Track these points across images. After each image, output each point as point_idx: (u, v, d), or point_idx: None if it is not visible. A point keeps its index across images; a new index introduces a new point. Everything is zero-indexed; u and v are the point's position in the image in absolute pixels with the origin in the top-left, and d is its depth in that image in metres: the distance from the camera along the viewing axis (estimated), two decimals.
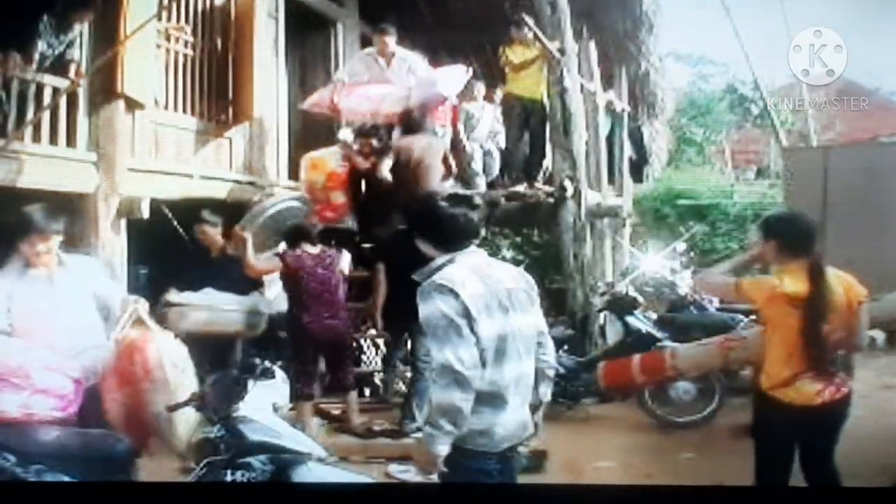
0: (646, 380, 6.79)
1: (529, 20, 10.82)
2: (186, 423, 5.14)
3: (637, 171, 14.94)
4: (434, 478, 3.77)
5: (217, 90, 9.80)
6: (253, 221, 8.73)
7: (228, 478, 4.46)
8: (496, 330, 3.79)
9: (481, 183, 11.39)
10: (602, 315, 10.27)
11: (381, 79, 10.35)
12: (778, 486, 5.06)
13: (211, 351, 7.24)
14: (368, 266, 8.63)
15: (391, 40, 10.50)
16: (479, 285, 3.81)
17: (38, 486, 3.91)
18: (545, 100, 11.06)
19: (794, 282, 4.79)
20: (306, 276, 7.94)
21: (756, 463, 5.06)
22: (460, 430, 3.69)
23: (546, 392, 4.17)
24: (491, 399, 3.77)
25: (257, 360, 5.12)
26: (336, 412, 8.89)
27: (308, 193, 9.62)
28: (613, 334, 9.92)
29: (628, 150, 14.27)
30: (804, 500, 4.60)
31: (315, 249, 8.06)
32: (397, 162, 9.10)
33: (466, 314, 3.70)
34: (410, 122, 9.52)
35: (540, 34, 10.71)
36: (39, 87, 7.71)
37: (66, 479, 4.35)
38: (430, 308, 3.74)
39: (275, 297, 8.42)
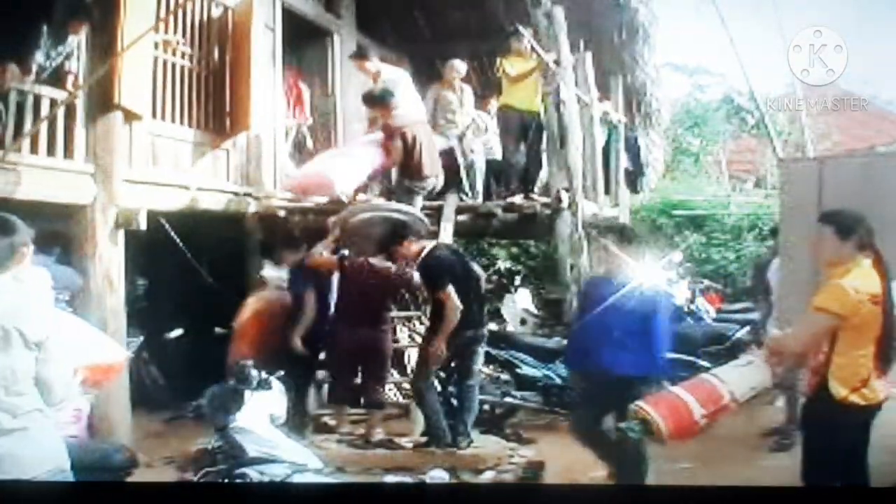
0: (707, 415, 5.74)
1: (526, 31, 10.85)
2: None
3: (633, 181, 14.94)
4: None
5: (214, 101, 9.81)
6: (351, 217, 9.02)
7: None
8: None
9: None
10: None
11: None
12: (777, 486, 5.05)
13: None
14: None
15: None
16: None
17: (36, 486, 3.91)
18: (541, 111, 11.07)
19: (869, 280, 4.80)
20: (355, 283, 8.15)
21: (818, 478, 4.99)
22: None
23: None
24: None
25: (254, 372, 5.12)
26: (332, 423, 8.90)
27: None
28: None
29: (624, 161, 14.26)
30: (804, 500, 4.60)
31: (380, 262, 8.16)
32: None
33: None
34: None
35: (536, 45, 10.73)
36: (37, 99, 7.72)
37: None
38: None
39: None
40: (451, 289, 7.78)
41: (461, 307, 7.77)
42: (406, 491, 5.27)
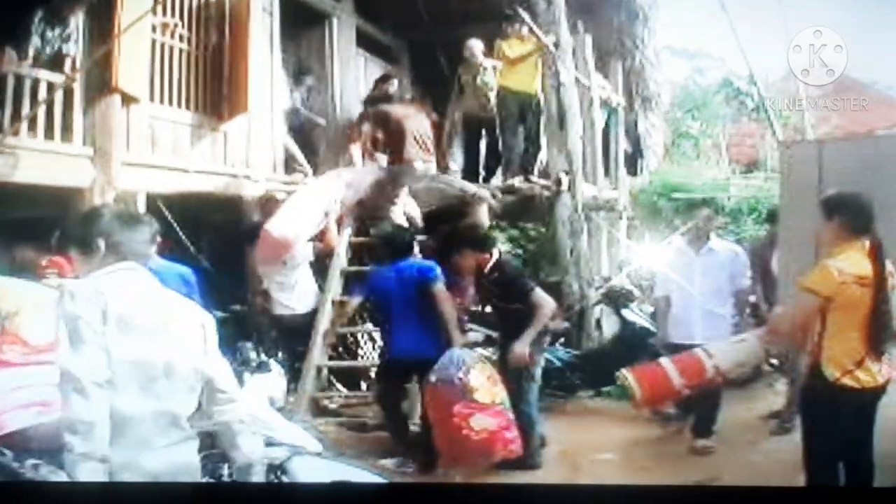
0: (687, 385, 6.10)
1: (525, 14, 10.83)
2: None
3: (632, 164, 14.95)
4: None
5: (212, 84, 9.79)
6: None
7: (225, 471, 4.46)
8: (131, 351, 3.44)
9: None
10: (598, 308, 10.28)
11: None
12: (776, 486, 5.06)
13: None
14: None
15: None
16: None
17: (35, 485, 3.90)
18: (540, 94, 11.06)
19: (857, 262, 4.81)
20: None
21: (817, 462, 5.01)
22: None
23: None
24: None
25: (253, 354, 5.13)
26: (333, 406, 8.91)
27: None
28: (609, 327, 9.94)
29: (624, 144, 14.27)
30: (806, 500, 4.60)
31: None
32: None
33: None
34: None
35: (535, 28, 10.71)
36: (35, 82, 7.70)
37: (63, 472, 4.34)
38: None
39: None
40: (538, 288, 7.51)
41: (555, 305, 7.56)
42: (401, 488, 5.27)
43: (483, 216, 9.91)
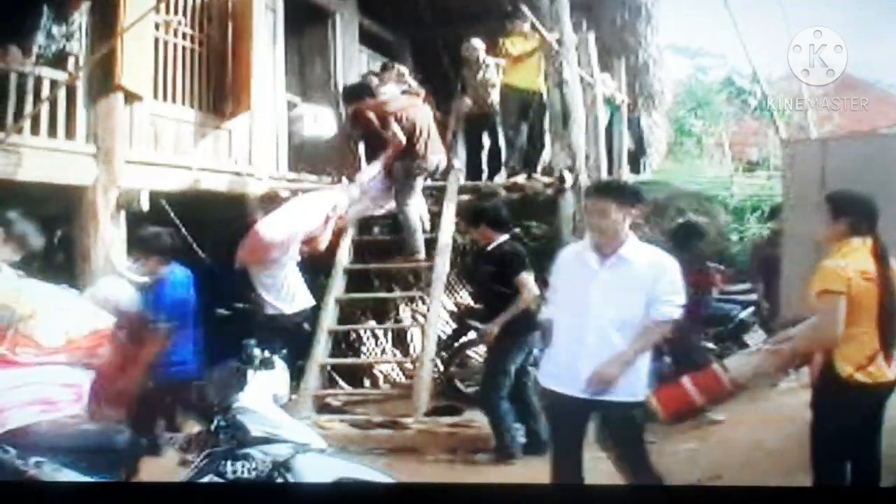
0: (707, 400, 6.13)
1: (528, 11, 10.82)
2: None
3: (635, 162, 14.93)
4: None
5: (216, 82, 9.79)
6: None
7: (228, 468, 4.46)
8: None
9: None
10: None
11: None
12: (779, 486, 5.07)
13: None
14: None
15: None
16: None
17: (37, 485, 3.90)
18: (543, 91, 11.06)
19: (860, 259, 4.84)
20: None
21: (825, 459, 5.01)
22: None
23: None
24: None
25: (257, 351, 5.12)
26: (337, 403, 8.91)
27: None
28: None
29: (627, 142, 14.25)
30: (808, 500, 4.60)
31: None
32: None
33: None
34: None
35: (539, 25, 10.70)
36: (38, 80, 7.71)
37: (67, 470, 4.35)
38: None
39: None
40: (527, 274, 7.54)
41: (538, 293, 7.47)
42: (401, 488, 5.26)
43: None
